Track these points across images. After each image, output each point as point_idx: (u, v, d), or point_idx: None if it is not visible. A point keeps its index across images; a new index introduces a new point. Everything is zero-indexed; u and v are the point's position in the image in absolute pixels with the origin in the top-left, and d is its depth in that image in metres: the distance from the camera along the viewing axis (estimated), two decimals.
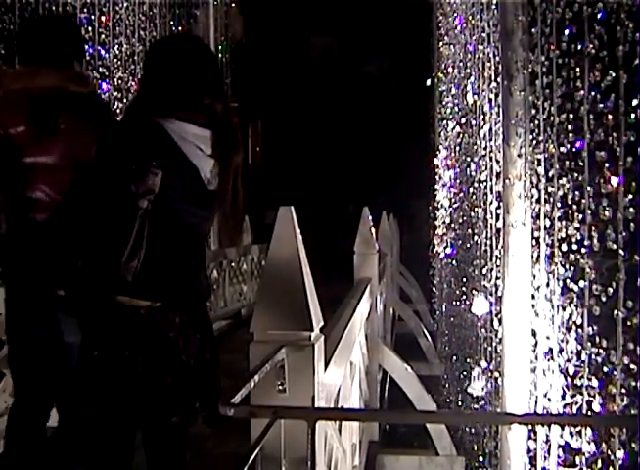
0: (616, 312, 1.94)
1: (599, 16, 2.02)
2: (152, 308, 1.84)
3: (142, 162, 1.77)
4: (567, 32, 2.22)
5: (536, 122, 2.53)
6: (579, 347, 2.17)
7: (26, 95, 2.19)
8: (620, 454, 1.95)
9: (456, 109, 5.60)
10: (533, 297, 2.54)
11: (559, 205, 2.31)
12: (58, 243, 1.84)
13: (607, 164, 1.99)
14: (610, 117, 1.95)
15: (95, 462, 1.98)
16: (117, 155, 1.82)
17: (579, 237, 2.15)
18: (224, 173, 1.91)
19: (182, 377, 1.88)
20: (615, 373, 1.98)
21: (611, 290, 1.97)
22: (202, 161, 1.84)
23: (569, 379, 2.23)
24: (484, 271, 3.52)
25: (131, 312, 1.83)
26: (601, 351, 2.04)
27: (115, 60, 5.97)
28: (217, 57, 2.01)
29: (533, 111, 2.54)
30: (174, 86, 1.84)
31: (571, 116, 2.21)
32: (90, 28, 5.49)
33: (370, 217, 4.46)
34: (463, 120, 4.96)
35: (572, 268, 2.21)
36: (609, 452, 2.00)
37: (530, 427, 2.39)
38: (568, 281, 2.24)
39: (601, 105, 2.01)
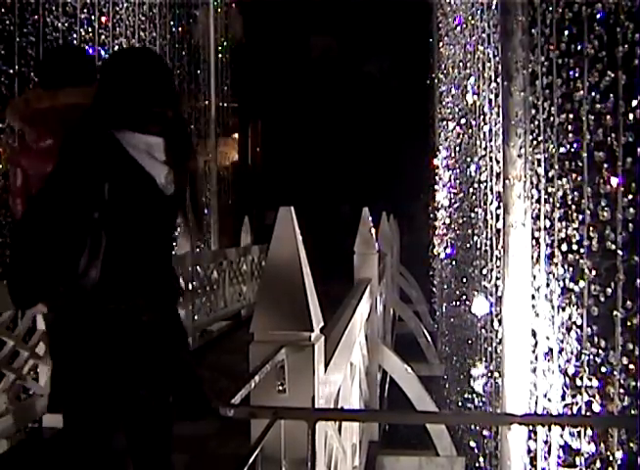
0: (615, 313, 1.94)
1: (598, 16, 2.02)
2: (118, 310, 1.89)
3: (91, 173, 1.82)
4: (566, 33, 2.23)
5: (536, 123, 2.53)
6: (579, 347, 2.17)
7: (53, 112, 2.37)
8: (619, 454, 1.96)
9: (456, 109, 5.60)
10: (533, 297, 2.54)
11: (559, 205, 2.31)
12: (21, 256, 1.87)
13: (606, 165, 1.99)
14: (609, 117, 1.95)
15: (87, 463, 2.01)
16: (70, 168, 1.86)
17: (579, 237, 2.16)
18: (179, 178, 1.97)
19: (153, 374, 1.95)
20: (614, 373, 1.98)
21: (609, 290, 1.97)
22: (156, 168, 1.89)
23: (568, 379, 2.24)
24: (484, 272, 3.52)
25: (99, 316, 1.88)
26: (600, 351, 2.04)
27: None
28: (168, 66, 2.09)
29: (533, 111, 2.54)
30: (124, 98, 1.91)
31: (571, 116, 2.21)
32: (90, 29, 5.50)
33: (370, 218, 4.46)
34: (463, 121, 4.96)
35: (572, 269, 2.21)
36: (608, 453, 2.00)
37: (530, 427, 2.39)
38: (567, 281, 2.24)
39: (600, 105, 2.01)
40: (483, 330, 3.54)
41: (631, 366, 1.91)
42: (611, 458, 2.00)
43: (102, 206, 1.83)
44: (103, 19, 5.74)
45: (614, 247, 1.95)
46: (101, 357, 1.89)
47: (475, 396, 3.73)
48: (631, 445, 1.91)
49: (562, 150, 2.30)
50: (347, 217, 12.58)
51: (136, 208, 1.90)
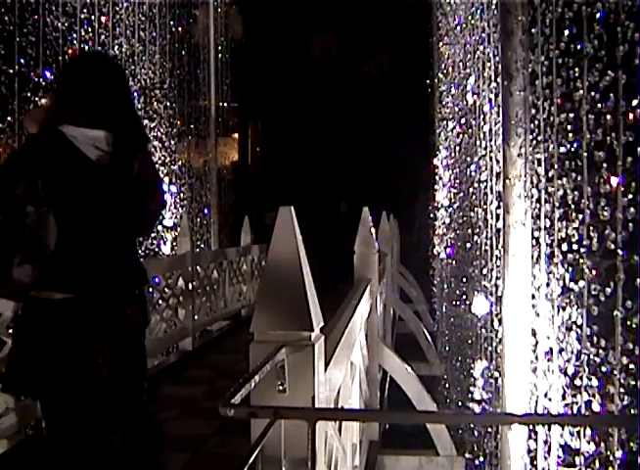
0: (615, 312, 1.94)
1: (598, 16, 2.02)
2: (66, 300, 2.02)
3: (24, 169, 2.02)
4: (566, 32, 2.23)
5: (536, 122, 2.53)
6: (579, 347, 2.17)
7: None
8: (619, 454, 1.96)
9: (456, 109, 5.60)
10: (533, 297, 2.54)
11: (559, 205, 2.31)
12: None
13: (606, 165, 1.99)
14: (609, 117, 1.95)
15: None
16: (10, 165, 2.08)
17: (579, 237, 2.15)
18: (127, 168, 2.14)
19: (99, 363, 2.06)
20: (614, 373, 1.98)
21: (609, 290, 1.97)
22: (100, 157, 2.07)
23: (568, 379, 2.23)
24: (484, 271, 3.52)
25: (47, 304, 2.03)
26: (600, 351, 2.04)
27: (115, 60, 5.97)
28: (113, 66, 2.30)
29: (533, 111, 2.54)
30: (66, 97, 2.14)
31: (571, 116, 2.21)
32: (90, 29, 5.50)
33: (370, 218, 4.45)
34: (463, 121, 4.96)
35: (572, 268, 2.21)
36: (608, 452, 2.00)
37: (530, 427, 2.39)
38: (567, 281, 2.24)
39: (600, 105, 2.01)
40: (483, 330, 3.54)
41: (631, 366, 1.91)
42: (611, 458, 2.00)
43: (36, 200, 1.99)
44: (103, 19, 5.74)
45: (614, 246, 1.95)
46: (51, 343, 2.02)
47: (475, 395, 3.73)
48: (631, 444, 1.91)
49: (562, 150, 2.30)
50: (345, 215, 12.57)
51: (83, 195, 2.07)
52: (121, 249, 2.20)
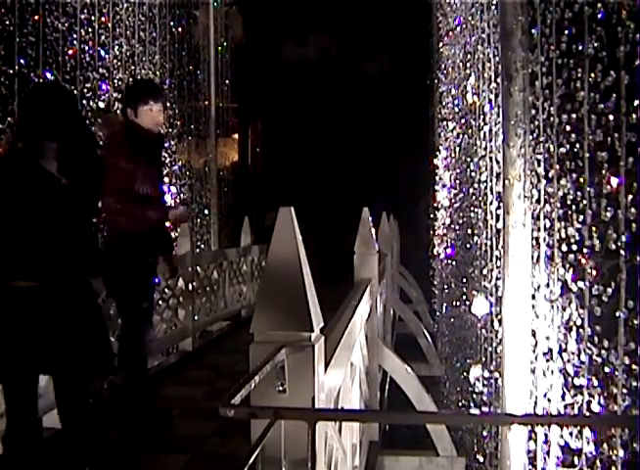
0: (617, 313, 1.94)
1: (599, 16, 2.02)
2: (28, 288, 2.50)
3: None
4: (566, 33, 2.23)
5: (536, 123, 2.53)
6: (579, 347, 2.17)
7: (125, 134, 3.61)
8: (621, 455, 1.95)
9: (456, 109, 5.60)
10: (533, 297, 2.54)
11: (559, 205, 2.31)
12: None
13: (607, 165, 1.99)
14: (610, 117, 1.95)
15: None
16: None
17: (579, 237, 2.15)
18: (73, 172, 2.59)
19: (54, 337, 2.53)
20: (615, 373, 1.98)
21: (610, 290, 1.97)
22: (50, 164, 2.55)
23: (569, 379, 2.23)
24: (484, 272, 3.52)
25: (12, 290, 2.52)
26: (602, 351, 2.04)
27: (115, 61, 5.97)
28: (59, 94, 2.84)
29: (533, 111, 2.54)
30: (26, 118, 2.67)
31: (572, 116, 2.21)
32: (90, 29, 5.50)
33: (370, 218, 4.45)
34: (463, 121, 4.96)
35: (573, 269, 2.21)
36: (609, 453, 2.00)
37: (530, 427, 2.39)
38: (568, 282, 2.24)
39: (601, 105, 2.01)
40: (483, 330, 3.54)
41: (634, 366, 1.91)
42: (614, 458, 2.00)
43: None
44: (103, 19, 5.74)
45: (615, 247, 1.95)
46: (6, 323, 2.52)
47: (475, 396, 3.73)
48: (635, 445, 1.90)
49: (562, 150, 2.30)
50: (346, 218, 12.58)
51: (35, 195, 2.53)
52: (76, 240, 2.61)
